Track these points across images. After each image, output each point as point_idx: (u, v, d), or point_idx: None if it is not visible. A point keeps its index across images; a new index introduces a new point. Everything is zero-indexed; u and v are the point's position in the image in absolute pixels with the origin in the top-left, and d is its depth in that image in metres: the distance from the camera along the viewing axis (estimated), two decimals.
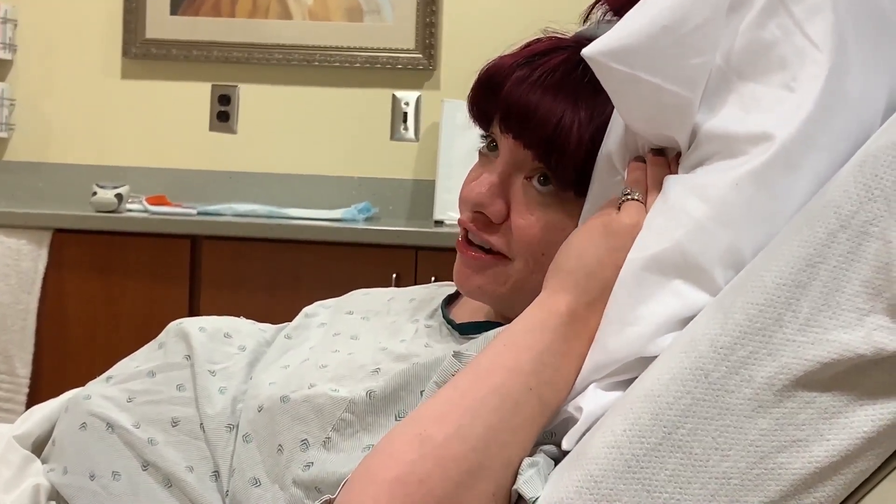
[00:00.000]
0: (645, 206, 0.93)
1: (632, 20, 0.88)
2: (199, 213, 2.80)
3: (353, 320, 1.20)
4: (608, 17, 1.08)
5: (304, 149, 3.17)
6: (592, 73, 0.96)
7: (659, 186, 0.93)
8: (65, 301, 2.69)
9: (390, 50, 3.13)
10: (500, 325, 1.08)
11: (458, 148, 2.98)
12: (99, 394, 1.13)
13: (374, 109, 3.16)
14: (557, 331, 0.89)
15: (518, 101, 1.02)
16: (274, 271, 2.64)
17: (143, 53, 3.19)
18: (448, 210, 2.93)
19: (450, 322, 1.13)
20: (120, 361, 1.22)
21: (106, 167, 3.17)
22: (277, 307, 2.63)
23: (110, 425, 1.09)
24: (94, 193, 2.74)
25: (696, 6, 0.88)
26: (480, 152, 1.11)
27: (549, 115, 1.01)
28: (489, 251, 1.08)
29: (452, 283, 1.26)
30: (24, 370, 2.67)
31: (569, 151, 1.01)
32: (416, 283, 2.56)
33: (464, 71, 3.04)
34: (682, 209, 0.87)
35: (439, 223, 2.92)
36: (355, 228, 2.68)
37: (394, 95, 3.14)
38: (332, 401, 1.01)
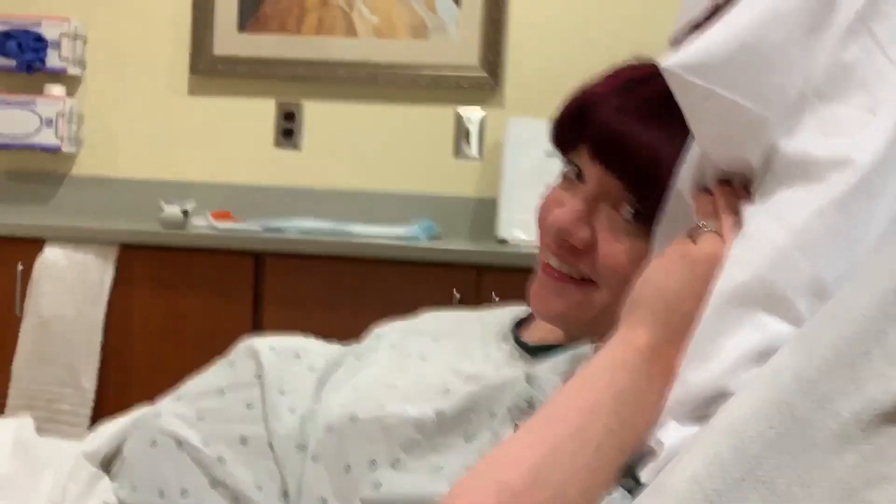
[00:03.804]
0: (721, 236, 0.91)
1: (711, 35, 0.87)
2: (264, 230, 2.81)
3: (423, 342, 1.19)
4: None
5: (367, 166, 3.18)
6: None
7: (731, 215, 0.91)
8: (130, 315, 2.71)
9: (455, 67, 3.13)
10: (572, 347, 1.07)
11: (522, 167, 2.97)
12: (169, 411, 1.13)
13: (437, 127, 3.16)
14: (638, 369, 0.86)
15: (613, 130, 1.01)
16: (336, 289, 2.65)
17: (209, 70, 3.22)
18: (511, 229, 2.92)
19: (521, 344, 1.12)
20: (190, 379, 1.22)
21: (171, 182, 3.20)
22: (339, 325, 2.63)
23: (179, 442, 1.09)
24: (161, 209, 2.77)
25: (776, 24, 0.86)
26: (564, 176, 1.10)
27: (644, 146, 1.00)
28: (571, 277, 1.07)
29: (523, 305, 1.25)
30: (89, 384, 2.70)
31: (661, 185, 0.99)
32: (478, 303, 2.56)
33: (529, 89, 3.08)
34: (763, 239, 0.85)
35: (502, 242, 2.91)
36: (418, 247, 2.67)
37: (457, 113, 3.14)
38: (401, 421, 1.00)
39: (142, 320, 2.72)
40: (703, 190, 0.95)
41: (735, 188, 0.93)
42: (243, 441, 1.08)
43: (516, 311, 1.23)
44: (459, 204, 3.13)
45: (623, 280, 1.02)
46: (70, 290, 2.69)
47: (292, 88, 3.21)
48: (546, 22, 3.12)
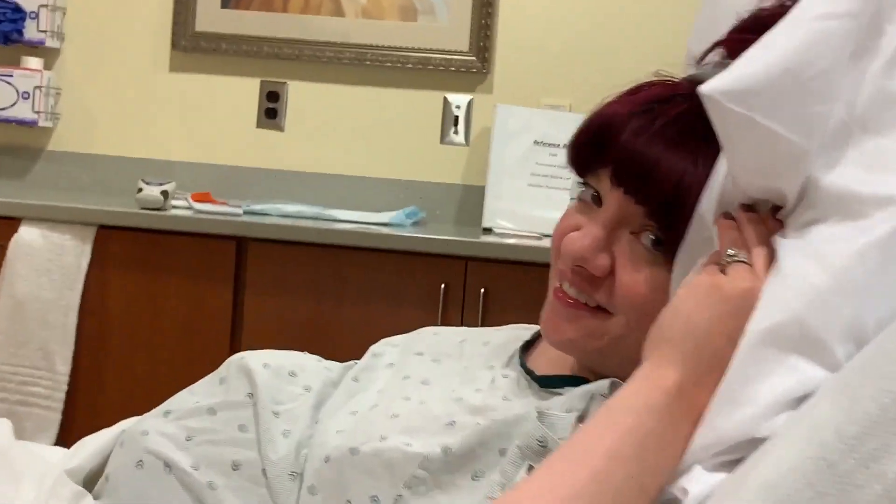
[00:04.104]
0: (752, 268, 0.86)
1: (752, 60, 0.82)
2: (245, 213, 2.74)
3: (423, 363, 1.14)
4: (726, 60, 1.01)
5: (351, 149, 3.12)
6: (712, 129, 0.90)
7: (761, 246, 0.86)
8: (107, 299, 2.65)
9: (443, 52, 3.06)
10: (585, 380, 1.02)
11: (510, 155, 2.92)
12: (156, 430, 1.07)
13: (424, 112, 3.10)
14: (663, 411, 0.82)
15: (636, 154, 0.96)
16: (320, 276, 2.59)
17: (192, 46, 3.14)
18: (497, 218, 2.88)
19: (529, 373, 1.07)
20: (178, 394, 1.17)
21: (150, 160, 3.13)
22: (322, 313, 2.59)
23: (168, 465, 1.04)
24: (140, 189, 2.70)
25: (820, 49, 0.82)
26: (580, 199, 1.05)
27: (670, 172, 0.95)
28: (585, 304, 1.02)
29: (529, 326, 1.20)
30: (63, 367, 2.63)
31: (687, 212, 0.95)
32: (464, 295, 2.51)
33: (518, 76, 3.02)
34: (801, 278, 0.81)
35: (488, 231, 2.86)
36: (404, 236, 2.61)
37: (445, 98, 3.08)
38: (405, 456, 0.95)
39: (119, 304, 2.65)
40: (726, 216, 0.91)
41: (763, 215, 0.89)
42: (235, 466, 1.03)
43: (521, 333, 1.18)
44: (445, 191, 3.07)
45: (641, 310, 0.97)
46: (46, 271, 2.62)
47: (276, 68, 3.13)
48: (538, 8, 3.06)
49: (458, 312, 2.51)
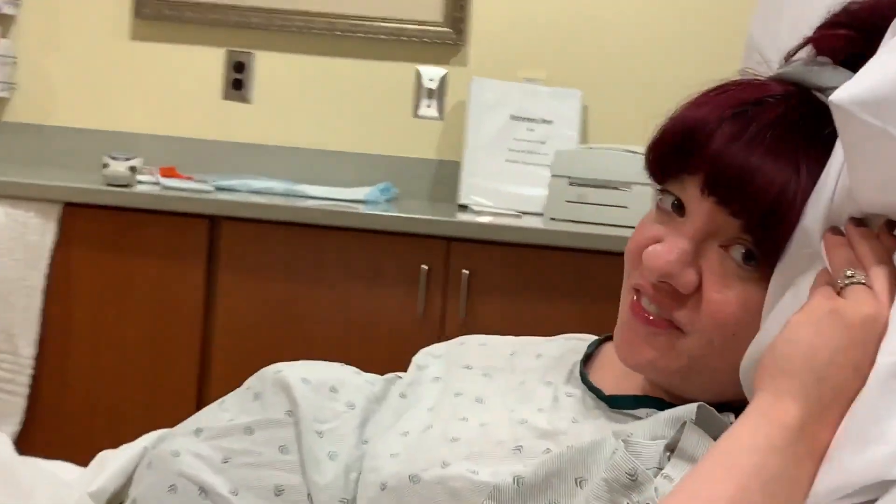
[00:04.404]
0: (873, 290, 0.80)
1: (884, 66, 0.75)
2: (216, 188, 2.65)
3: (473, 378, 1.07)
4: (820, 58, 0.95)
5: (321, 122, 3.03)
6: (816, 132, 0.84)
7: (879, 265, 0.80)
8: (73, 279, 2.54)
9: (417, 22, 2.98)
10: (659, 400, 0.96)
11: (486, 129, 2.86)
12: (189, 450, 1.00)
13: (396, 84, 3.01)
14: (787, 451, 0.76)
15: (732, 164, 0.89)
16: (296, 256, 2.51)
17: (155, 14, 3.02)
18: (473, 194, 2.81)
19: (595, 391, 1.01)
20: (206, 408, 1.09)
21: (111, 133, 3.02)
22: (298, 294, 2.51)
23: (203, 490, 0.96)
24: (106, 165, 2.59)
25: None
26: (659, 207, 0.98)
27: (770, 182, 0.88)
28: (663, 319, 0.95)
29: (583, 336, 1.14)
30: (27, 350, 2.53)
31: (787, 225, 0.88)
32: (447, 277, 2.44)
33: (494, 48, 2.95)
34: None
35: (464, 207, 2.80)
36: (383, 215, 2.54)
37: (418, 71, 3.00)
38: (473, 485, 0.88)
39: (85, 285, 2.54)
40: (834, 231, 0.85)
41: (879, 232, 0.83)
42: (278, 491, 0.96)
43: (576, 344, 1.12)
44: (418, 166, 3.00)
45: (729, 331, 0.91)
46: (8, 250, 2.51)
47: (243, 37, 3.03)
48: None
49: (441, 295, 2.44)
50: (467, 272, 2.42)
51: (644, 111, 2.91)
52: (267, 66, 3.03)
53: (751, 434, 0.77)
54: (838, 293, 0.81)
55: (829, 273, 0.83)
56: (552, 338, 1.17)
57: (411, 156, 3.00)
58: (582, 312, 2.39)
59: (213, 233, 2.52)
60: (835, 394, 0.77)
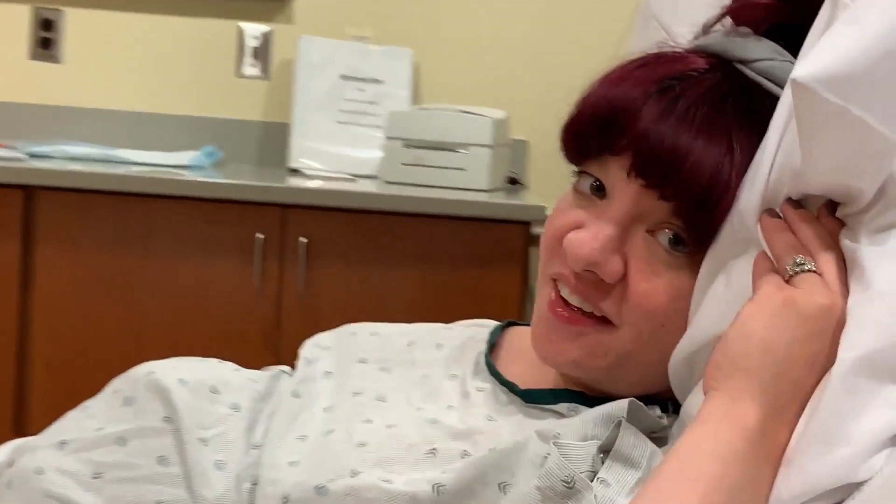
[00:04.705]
0: (823, 278, 0.76)
1: (846, 39, 0.70)
2: (30, 156, 2.46)
3: (370, 373, 0.99)
4: (742, 29, 0.90)
5: (139, 83, 2.86)
6: (746, 108, 0.79)
7: (826, 251, 0.77)
8: None
9: None
10: (583, 395, 0.91)
11: (315, 89, 2.75)
12: (54, 466, 0.89)
13: (217, 42, 2.87)
14: (749, 455, 0.71)
15: (662, 144, 0.83)
16: (122, 227, 2.36)
17: None
18: (303, 157, 2.71)
19: (506, 384, 0.94)
20: (68, 416, 0.97)
21: None
22: (125, 267, 2.36)
23: None
24: None
25: None
26: (577, 190, 0.92)
27: (703, 163, 0.83)
28: (587, 313, 0.89)
29: (482, 322, 1.07)
30: None
31: (721, 209, 0.83)
32: (283, 246, 2.33)
33: (322, 5, 2.83)
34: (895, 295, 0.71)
35: (294, 171, 2.69)
36: (215, 183, 2.41)
37: (239, 27, 2.86)
38: (388, 496, 0.81)
39: None
40: (767, 212, 0.80)
41: (819, 214, 0.79)
42: None
43: (476, 331, 1.05)
44: (243, 128, 2.87)
45: (657, 321, 0.86)
46: None
47: None
48: None
49: (278, 264, 2.34)
50: (305, 240, 2.33)
51: (476, 70, 2.89)
52: (78, 23, 2.84)
53: (711, 439, 0.72)
54: (787, 281, 0.77)
55: (770, 259, 0.79)
56: (450, 325, 1.10)
57: (236, 117, 2.87)
58: (426, 279, 2.34)
59: (28, 205, 2.34)
60: (793, 390, 0.73)
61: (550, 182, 2.90)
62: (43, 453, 0.91)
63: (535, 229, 2.43)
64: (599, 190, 0.89)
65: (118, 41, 2.85)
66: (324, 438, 0.89)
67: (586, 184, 0.90)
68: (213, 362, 1.01)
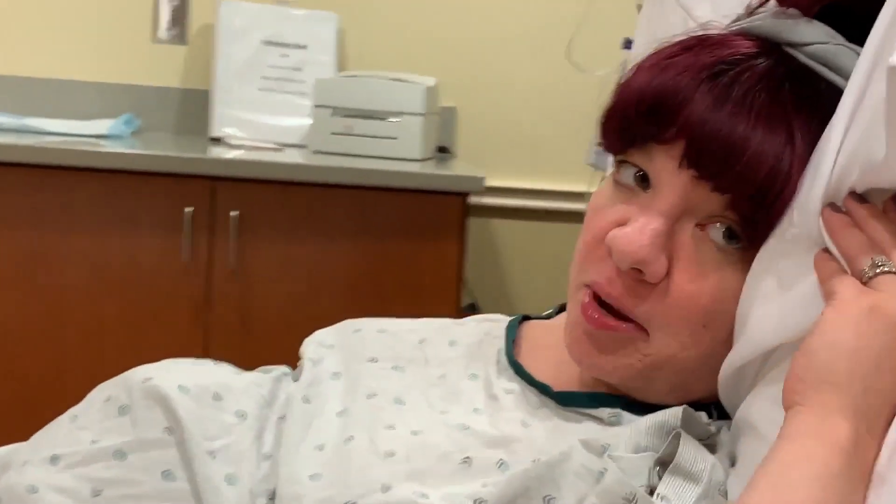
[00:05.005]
0: None
1: None
2: None
3: (382, 373, 0.92)
4: (790, 10, 0.85)
5: (50, 48, 2.72)
6: (802, 94, 0.75)
7: None
8: None
9: None
10: (626, 399, 0.87)
11: (237, 55, 2.66)
12: (48, 484, 0.81)
13: (132, 5, 2.75)
14: (844, 476, 0.66)
15: (718, 133, 0.78)
16: (40, 202, 2.24)
17: None
18: (226, 126, 2.62)
19: (537, 385, 0.89)
20: (55, 425, 0.89)
21: None
22: (45, 244, 2.25)
23: None
24: None
25: None
26: (617, 181, 0.87)
27: (763, 153, 0.78)
28: (622, 316, 0.84)
29: (496, 316, 1.02)
30: None
31: (782, 202, 0.79)
32: (214, 220, 2.25)
33: None
34: None
35: (216, 140, 2.60)
36: (141, 154, 2.31)
37: None
38: None
39: None
40: (829, 205, 0.76)
41: (886, 209, 0.75)
42: None
43: (491, 327, 0.99)
44: (161, 95, 2.76)
45: (698, 324, 0.81)
46: None
47: None
48: None
49: (207, 239, 2.26)
50: (236, 213, 2.25)
51: (402, 36, 2.82)
52: None
53: (804, 460, 0.67)
54: (864, 284, 0.72)
55: (834, 259, 0.75)
56: (461, 321, 1.04)
57: (153, 84, 2.76)
58: (361, 251, 2.28)
59: None
60: (882, 403, 0.69)
61: (479, 150, 2.88)
62: (34, 469, 0.83)
63: (472, 199, 2.39)
64: (644, 180, 0.85)
65: (28, 4, 2.71)
66: (344, 447, 0.83)
67: (629, 174, 0.85)
68: (209, 364, 0.94)
